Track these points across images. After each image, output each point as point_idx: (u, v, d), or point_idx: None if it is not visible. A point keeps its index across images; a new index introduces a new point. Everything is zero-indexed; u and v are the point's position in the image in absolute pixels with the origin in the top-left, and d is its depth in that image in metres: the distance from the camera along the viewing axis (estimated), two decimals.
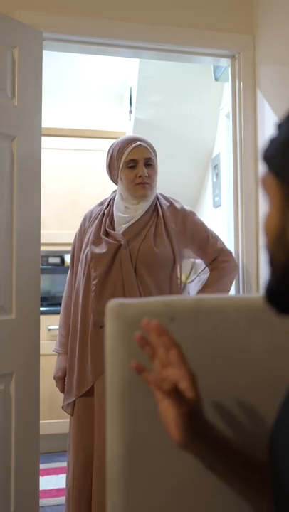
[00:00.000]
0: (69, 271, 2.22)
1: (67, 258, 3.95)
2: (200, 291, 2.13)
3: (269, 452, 0.77)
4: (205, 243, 2.14)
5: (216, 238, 2.18)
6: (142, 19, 2.38)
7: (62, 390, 2.12)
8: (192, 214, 2.16)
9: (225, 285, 2.15)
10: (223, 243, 2.20)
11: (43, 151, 2.25)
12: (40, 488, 2.23)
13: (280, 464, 0.72)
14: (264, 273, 2.34)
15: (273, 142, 0.69)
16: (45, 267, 3.85)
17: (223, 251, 2.17)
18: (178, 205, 2.15)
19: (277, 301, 0.70)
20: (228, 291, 2.19)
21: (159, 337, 0.81)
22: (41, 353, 2.22)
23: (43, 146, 2.25)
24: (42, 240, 2.26)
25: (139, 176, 2.01)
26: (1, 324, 2.06)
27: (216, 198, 3.64)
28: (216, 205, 3.65)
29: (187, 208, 2.17)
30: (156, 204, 2.10)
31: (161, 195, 2.17)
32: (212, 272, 2.15)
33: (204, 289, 2.12)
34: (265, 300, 0.71)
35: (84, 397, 2.01)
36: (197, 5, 2.46)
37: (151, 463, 0.94)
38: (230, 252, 2.22)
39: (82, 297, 2.05)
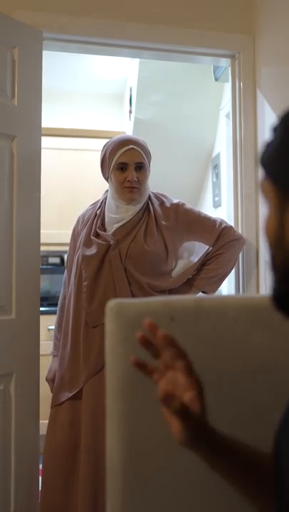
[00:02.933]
0: (65, 273, 2.23)
1: None
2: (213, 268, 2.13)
3: (273, 451, 0.77)
4: (202, 226, 2.13)
5: (213, 219, 2.17)
6: (142, 19, 2.38)
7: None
8: (181, 205, 2.14)
9: (234, 256, 2.21)
10: (221, 221, 2.18)
11: (43, 151, 2.25)
12: (40, 488, 2.23)
13: (285, 462, 0.72)
14: (264, 273, 2.34)
15: (269, 146, 0.71)
16: (45, 267, 3.85)
17: (225, 228, 2.15)
18: (167, 202, 2.13)
19: (284, 305, 0.70)
20: (237, 258, 2.26)
21: (166, 347, 0.78)
22: (41, 353, 2.22)
23: (43, 146, 2.25)
24: (42, 240, 2.26)
25: (128, 180, 2.01)
26: (1, 324, 2.06)
27: (216, 198, 3.64)
28: (216, 205, 3.64)
29: (175, 200, 2.15)
30: (147, 203, 2.09)
31: (153, 193, 2.15)
32: (221, 255, 2.14)
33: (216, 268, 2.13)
34: (273, 306, 0.71)
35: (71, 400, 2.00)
36: (197, 5, 2.46)
37: (151, 462, 0.94)
38: (231, 226, 2.21)
39: (74, 298, 2.05)
